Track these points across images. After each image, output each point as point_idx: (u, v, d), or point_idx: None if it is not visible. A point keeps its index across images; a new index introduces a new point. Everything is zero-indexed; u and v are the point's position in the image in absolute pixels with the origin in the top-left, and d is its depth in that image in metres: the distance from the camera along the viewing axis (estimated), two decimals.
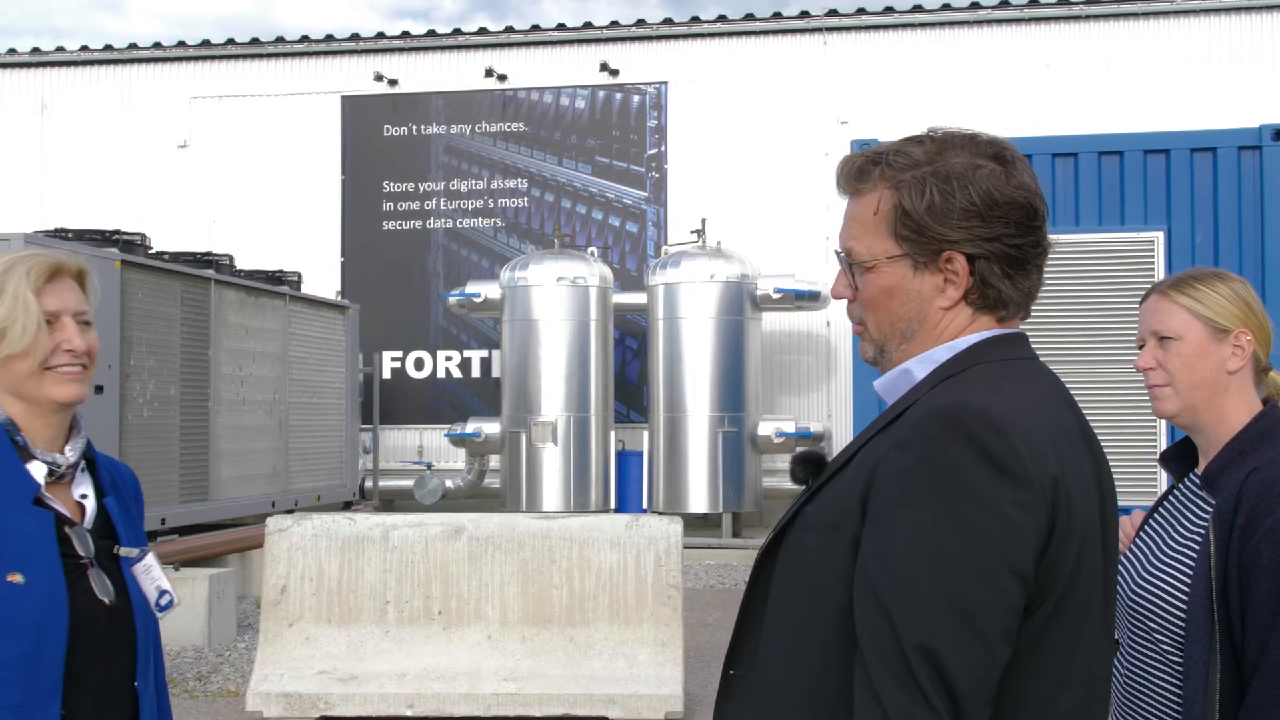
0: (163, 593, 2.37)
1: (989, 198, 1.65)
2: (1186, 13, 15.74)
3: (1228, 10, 15.67)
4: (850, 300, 1.78)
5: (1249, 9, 15.61)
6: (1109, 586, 1.67)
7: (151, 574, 2.36)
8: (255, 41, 18.09)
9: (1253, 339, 2.38)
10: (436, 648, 6.98)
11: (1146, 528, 2.47)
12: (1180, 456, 2.50)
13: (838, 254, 1.78)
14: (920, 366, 1.71)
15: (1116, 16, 15.90)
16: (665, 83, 16.96)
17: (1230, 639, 2.19)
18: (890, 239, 1.69)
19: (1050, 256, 1.75)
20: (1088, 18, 15.97)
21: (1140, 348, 2.49)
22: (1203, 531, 2.28)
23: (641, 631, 6.93)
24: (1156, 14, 15.80)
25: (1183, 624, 2.26)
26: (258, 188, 17.67)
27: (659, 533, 7.02)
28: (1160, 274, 8.14)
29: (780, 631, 1.65)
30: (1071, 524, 1.55)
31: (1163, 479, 7.64)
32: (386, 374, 17.00)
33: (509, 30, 17.39)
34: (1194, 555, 2.28)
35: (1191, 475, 2.44)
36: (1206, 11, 15.71)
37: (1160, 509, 2.47)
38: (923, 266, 1.69)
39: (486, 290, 15.30)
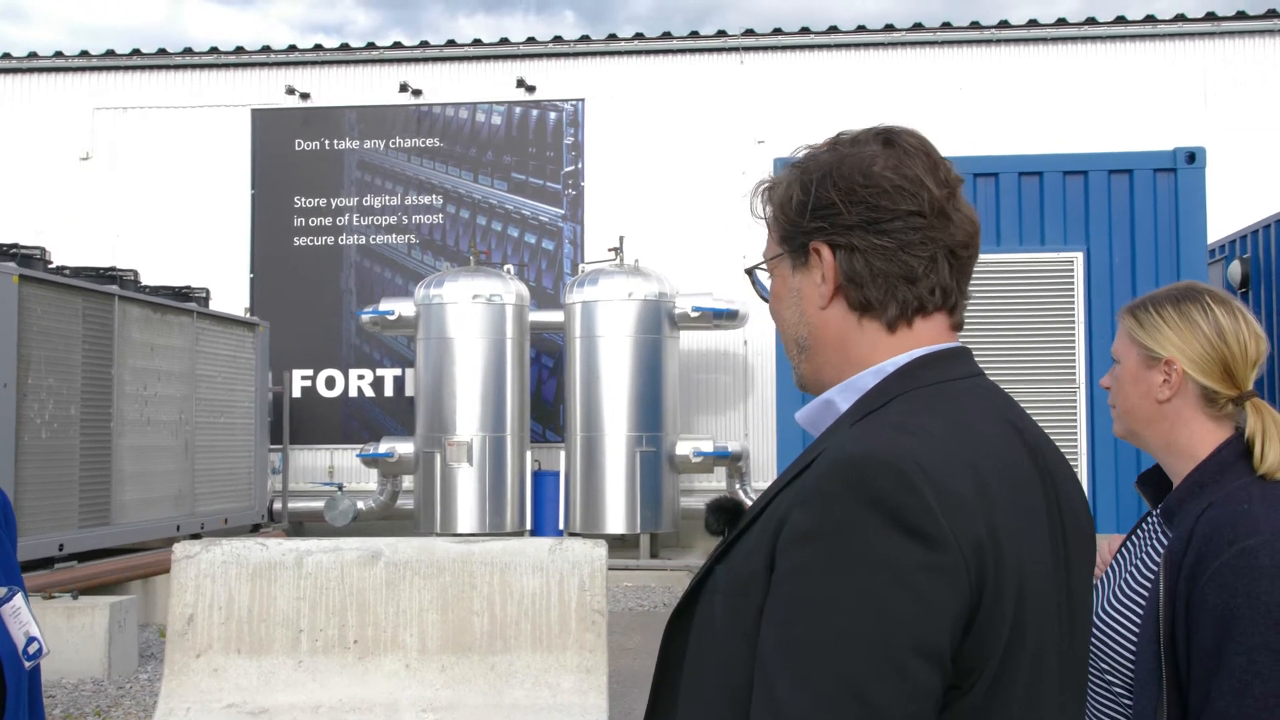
0: (31, 639, 2.13)
1: (850, 183, 1.51)
2: (1097, 39, 16.00)
3: (1141, 38, 15.95)
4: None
5: (1161, 37, 15.91)
6: (1076, 637, 1.49)
7: (20, 617, 2.13)
8: (162, 52, 17.65)
9: (1182, 369, 2.24)
10: (352, 678, 6.74)
11: (1117, 556, 2.36)
12: (1156, 481, 2.39)
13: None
14: (843, 396, 1.53)
15: (1026, 41, 16.13)
16: (582, 100, 16.85)
17: (1178, 684, 2.07)
18: (774, 241, 1.62)
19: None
20: (998, 42, 16.17)
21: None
22: (1156, 570, 2.17)
23: (565, 659, 6.76)
24: (1068, 39, 16.04)
25: (1132, 665, 2.14)
26: (164, 202, 17.22)
27: (583, 556, 6.86)
28: (1080, 294, 8.20)
29: (693, 705, 1.46)
30: (1002, 586, 1.34)
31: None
32: (297, 393, 16.63)
33: (424, 45, 17.17)
34: (1146, 593, 2.17)
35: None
36: (1118, 38, 15.98)
37: (1131, 538, 2.37)
38: (801, 264, 1.57)
39: (401, 308, 15.04)
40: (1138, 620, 2.15)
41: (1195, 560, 2.06)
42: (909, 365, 1.51)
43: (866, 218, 1.51)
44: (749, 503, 1.57)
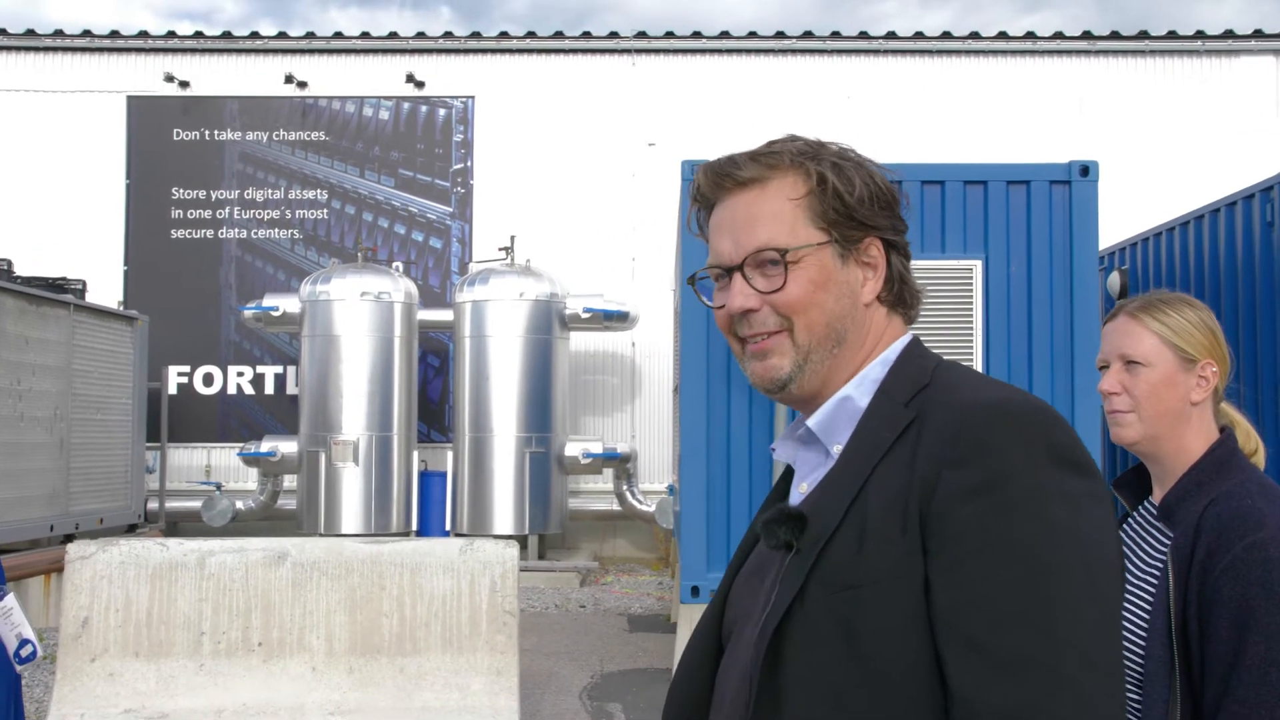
0: (24, 642, 2.04)
1: (888, 187, 1.59)
2: (980, 53, 16.41)
3: (1021, 53, 16.40)
4: (754, 309, 1.55)
5: (1040, 53, 16.38)
6: None
7: (12, 618, 2.03)
8: (30, 33, 16.98)
9: (1218, 370, 2.35)
10: (256, 681, 6.58)
11: None
12: (1133, 483, 2.46)
13: (739, 264, 1.55)
14: (860, 390, 1.55)
15: (913, 53, 16.46)
16: (472, 97, 16.70)
17: (1189, 677, 2.13)
18: (811, 226, 1.55)
19: None
20: (885, 52, 16.47)
21: (1101, 369, 2.43)
22: (1161, 565, 2.23)
23: (476, 660, 6.69)
24: (952, 52, 16.42)
25: (1141, 661, 2.20)
26: (33, 190, 16.56)
27: (495, 557, 6.80)
28: (978, 301, 8.39)
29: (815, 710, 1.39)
30: None
31: None
32: (173, 389, 16.14)
33: (311, 36, 16.83)
34: (1153, 590, 2.23)
35: (1147, 504, 2.40)
36: (1000, 53, 16.41)
37: None
38: (847, 256, 1.56)
39: (285, 304, 14.72)
40: (1144, 616, 2.21)
41: (1206, 555, 2.13)
42: (909, 349, 1.58)
43: (901, 224, 1.61)
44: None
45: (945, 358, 1.58)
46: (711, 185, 1.60)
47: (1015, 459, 1.35)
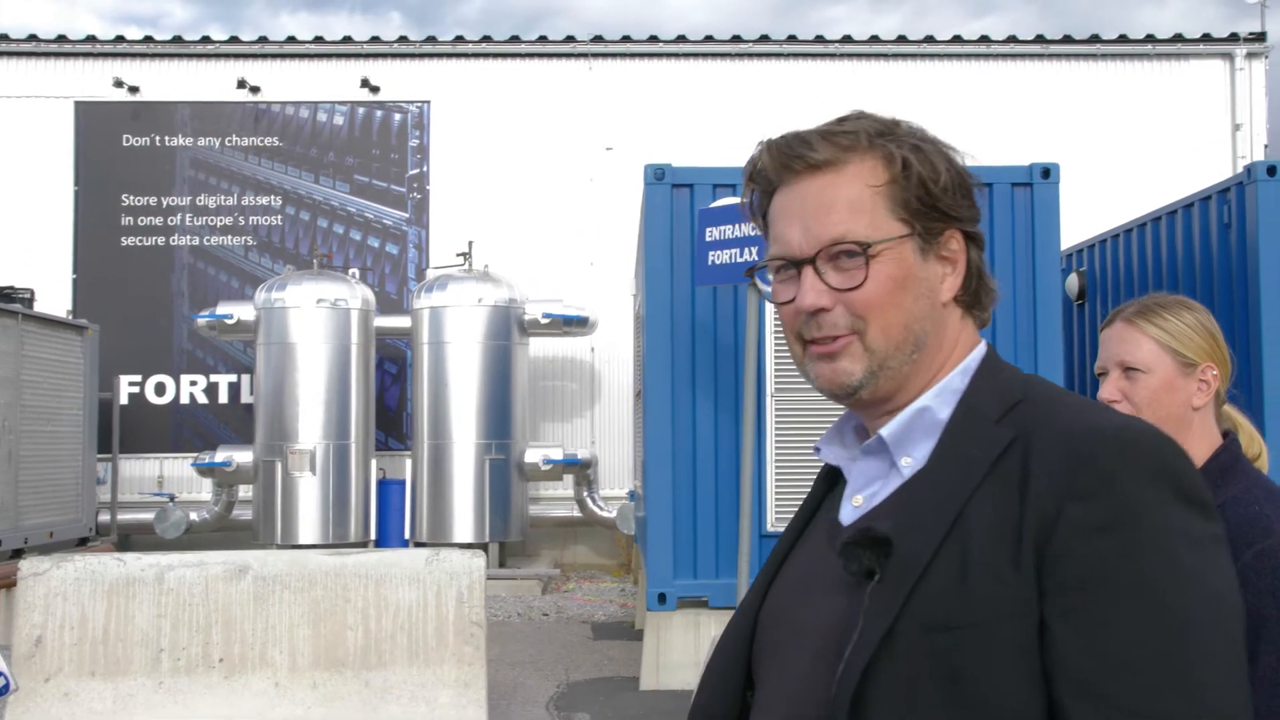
0: None
1: (967, 172, 1.46)
2: (935, 56, 16.48)
3: (976, 57, 16.49)
4: (826, 309, 1.40)
5: (995, 57, 16.47)
6: None
7: None
8: None
9: (1218, 373, 2.31)
10: (217, 699, 6.45)
11: None
12: None
13: (812, 256, 1.40)
14: (940, 401, 1.41)
15: (869, 56, 16.50)
16: (428, 102, 16.56)
17: None
18: (892, 217, 1.40)
19: None
20: (842, 56, 16.49)
21: (1099, 376, 2.39)
22: None
23: (443, 672, 6.59)
24: (908, 56, 16.48)
25: None
26: None
27: (461, 567, 6.71)
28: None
29: None
30: None
31: None
32: (124, 399, 15.87)
33: (263, 41, 16.63)
34: None
35: None
36: (954, 57, 16.49)
37: None
38: (928, 250, 1.41)
39: (239, 311, 14.52)
40: None
41: None
42: (991, 356, 1.46)
43: (978, 212, 1.47)
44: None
45: (1026, 373, 1.47)
46: (778, 166, 1.44)
47: (1145, 495, 1.25)
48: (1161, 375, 2.30)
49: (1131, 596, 1.22)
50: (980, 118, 15.99)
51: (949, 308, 1.44)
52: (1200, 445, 2.29)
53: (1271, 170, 7.90)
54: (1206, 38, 16.44)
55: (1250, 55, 16.38)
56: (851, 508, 1.44)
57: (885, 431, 1.42)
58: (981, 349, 1.47)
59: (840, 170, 1.40)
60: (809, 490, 1.62)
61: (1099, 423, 1.31)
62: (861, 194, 1.39)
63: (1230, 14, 60.80)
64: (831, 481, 1.55)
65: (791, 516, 1.60)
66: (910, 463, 1.40)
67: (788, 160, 1.42)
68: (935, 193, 1.40)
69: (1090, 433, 1.29)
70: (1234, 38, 16.41)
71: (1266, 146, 16.11)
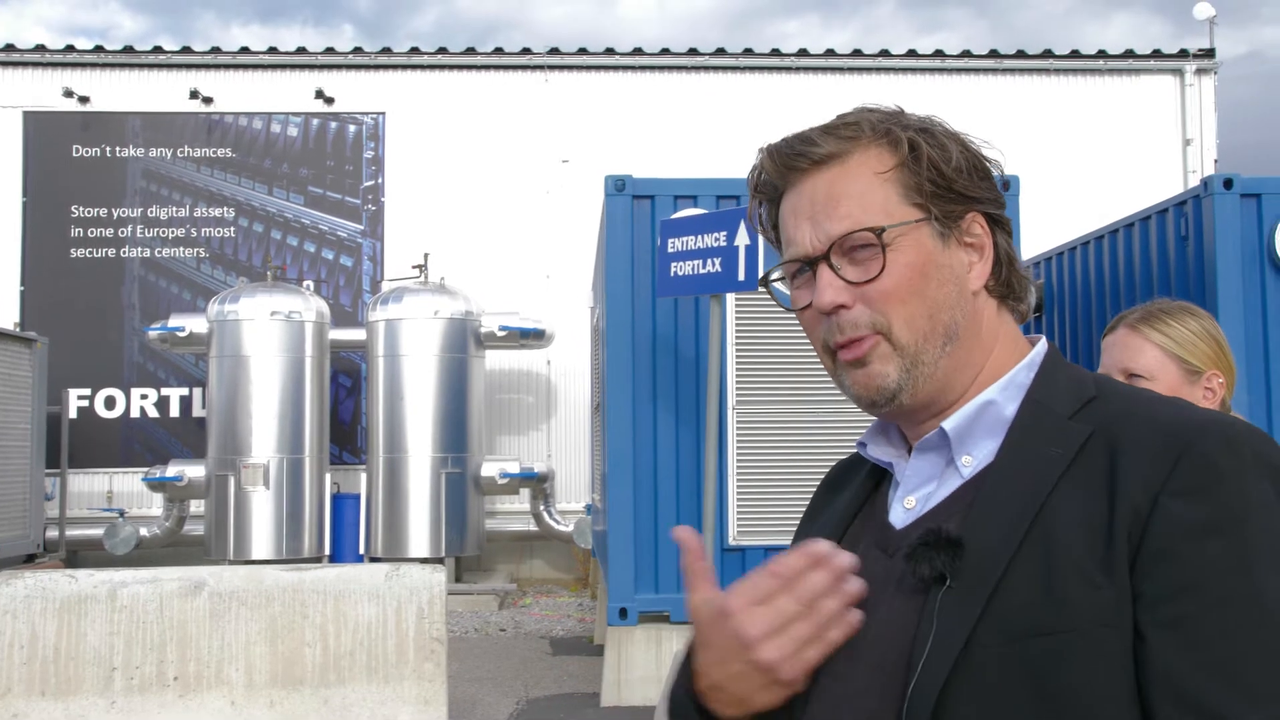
0: None
1: (984, 159, 1.38)
2: (890, 70, 16.58)
3: (932, 71, 16.60)
4: (845, 306, 1.33)
5: (950, 71, 16.59)
6: None
7: None
8: None
9: (1224, 381, 2.26)
10: (172, 718, 6.32)
11: None
12: None
13: (825, 252, 1.33)
14: (1006, 396, 1.32)
15: (822, 70, 16.57)
16: (383, 113, 16.45)
17: None
18: (904, 203, 1.32)
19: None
20: (798, 69, 16.56)
21: None
22: None
23: (403, 690, 6.49)
24: (863, 70, 16.57)
25: None
26: None
27: (421, 583, 6.62)
28: None
29: None
30: None
31: None
32: (73, 413, 15.61)
33: (216, 51, 16.46)
34: None
35: None
36: (911, 70, 16.59)
37: None
38: (948, 236, 1.33)
39: (191, 324, 14.34)
40: None
41: None
42: (1055, 352, 1.38)
43: (1000, 196, 1.39)
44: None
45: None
46: (780, 169, 1.37)
47: (1253, 491, 1.15)
48: (1166, 383, 2.26)
49: (1244, 606, 1.12)
50: None
51: (981, 297, 1.36)
52: None
53: (1228, 183, 7.97)
54: (1157, 54, 16.66)
55: (1200, 71, 16.60)
56: (904, 510, 1.36)
57: (949, 424, 1.33)
58: (1044, 346, 1.38)
59: (845, 162, 1.34)
60: (817, 491, 1.54)
61: (1192, 415, 1.23)
62: (870, 182, 1.33)
63: (1175, 31, 61.79)
64: (875, 480, 1.46)
65: (771, 525, 1.53)
66: (971, 461, 1.32)
67: (790, 160, 1.36)
68: (948, 173, 1.33)
69: (1186, 425, 1.21)
70: (1184, 54, 16.63)
71: (1216, 161, 16.32)
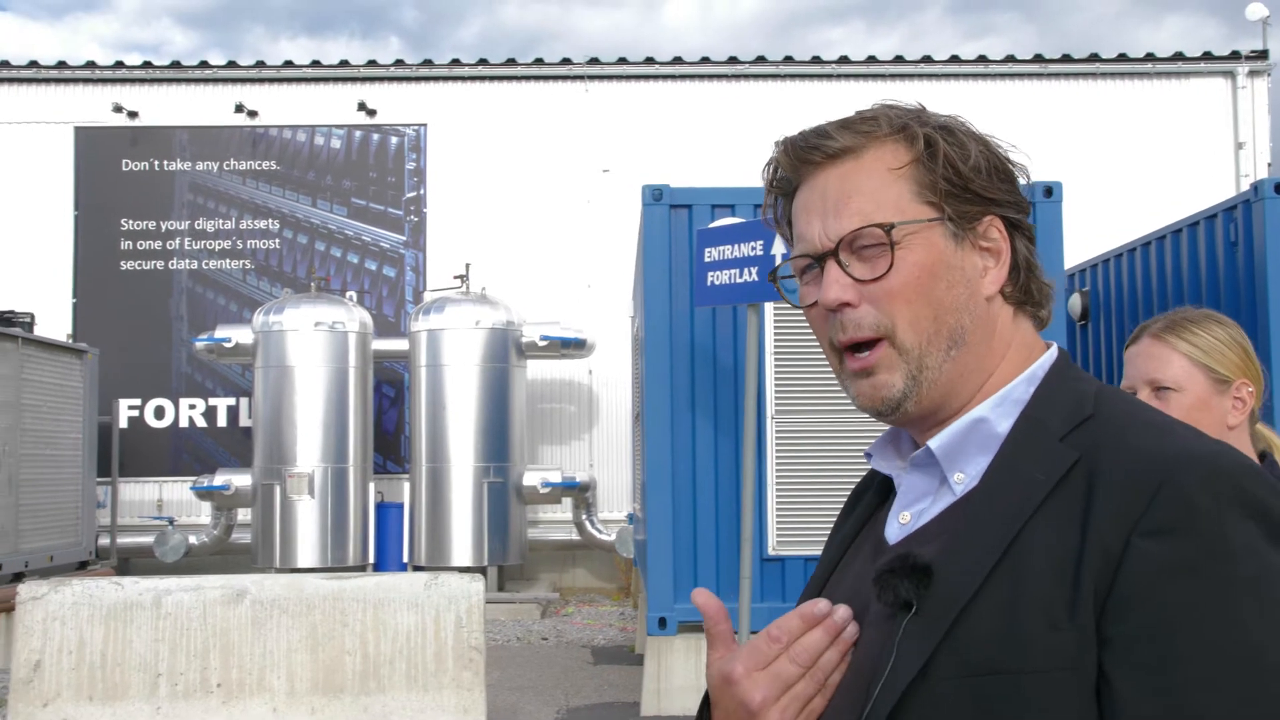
0: None
1: (1008, 162, 1.34)
2: (934, 76, 16.51)
3: (974, 77, 16.51)
4: (853, 305, 1.30)
5: (993, 76, 16.49)
6: None
7: None
8: None
9: (1254, 390, 2.20)
10: None
11: None
12: None
13: (833, 248, 1.30)
14: (1000, 413, 1.28)
15: (865, 77, 16.53)
16: (424, 124, 16.58)
17: None
18: (917, 201, 1.29)
19: None
20: (838, 77, 16.52)
21: None
22: None
23: (442, 698, 6.53)
24: (906, 76, 16.50)
25: None
26: None
27: (460, 591, 6.66)
28: None
29: None
30: None
31: None
32: (123, 423, 15.83)
33: (260, 65, 16.65)
34: None
35: None
36: (953, 76, 16.51)
37: None
38: (962, 238, 1.29)
39: (238, 335, 14.50)
40: None
41: None
42: (1062, 364, 1.33)
43: (1023, 200, 1.35)
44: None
45: (1104, 384, 1.33)
46: (794, 162, 1.35)
47: (1232, 531, 1.09)
48: (1195, 393, 2.20)
49: (1218, 652, 1.07)
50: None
51: (996, 303, 1.32)
52: None
53: (1279, 187, 7.86)
54: (1208, 56, 16.46)
55: (1253, 73, 16.39)
56: (898, 525, 1.34)
57: (935, 443, 1.30)
58: (1052, 354, 1.34)
59: (860, 157, 1.31)
60: (846, 501, 1.53)
61: (1178, 446, 1.16)
62: (884, 178, 1.30)
63: (1228, 34, 61.05)
64: (885, 492, 1.44)
65: (810, 535, 1.53)
66: (964, 479, 1.28)
67: (805, 154, 1.34)
68: (965, 173, 1.29)
69: (1168, 457, 1.14)
70: (1236, 55, 16.42)
71: (1270, 165, 16.11)
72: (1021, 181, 1.37)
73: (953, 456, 1.30)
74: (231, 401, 16.23)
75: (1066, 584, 1.13)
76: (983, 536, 1.20)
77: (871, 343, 1.30)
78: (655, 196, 8.40)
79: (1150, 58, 16.51)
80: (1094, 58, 16.50)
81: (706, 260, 7.52)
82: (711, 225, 7.94)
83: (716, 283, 7.37)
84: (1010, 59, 16.51)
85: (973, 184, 1.30)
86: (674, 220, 8.39)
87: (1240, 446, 2.20)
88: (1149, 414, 1.26)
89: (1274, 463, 2.21)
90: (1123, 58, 16.52)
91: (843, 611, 1.27)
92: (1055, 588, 1.14)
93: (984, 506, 1.23)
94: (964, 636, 1.16)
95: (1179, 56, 16.49)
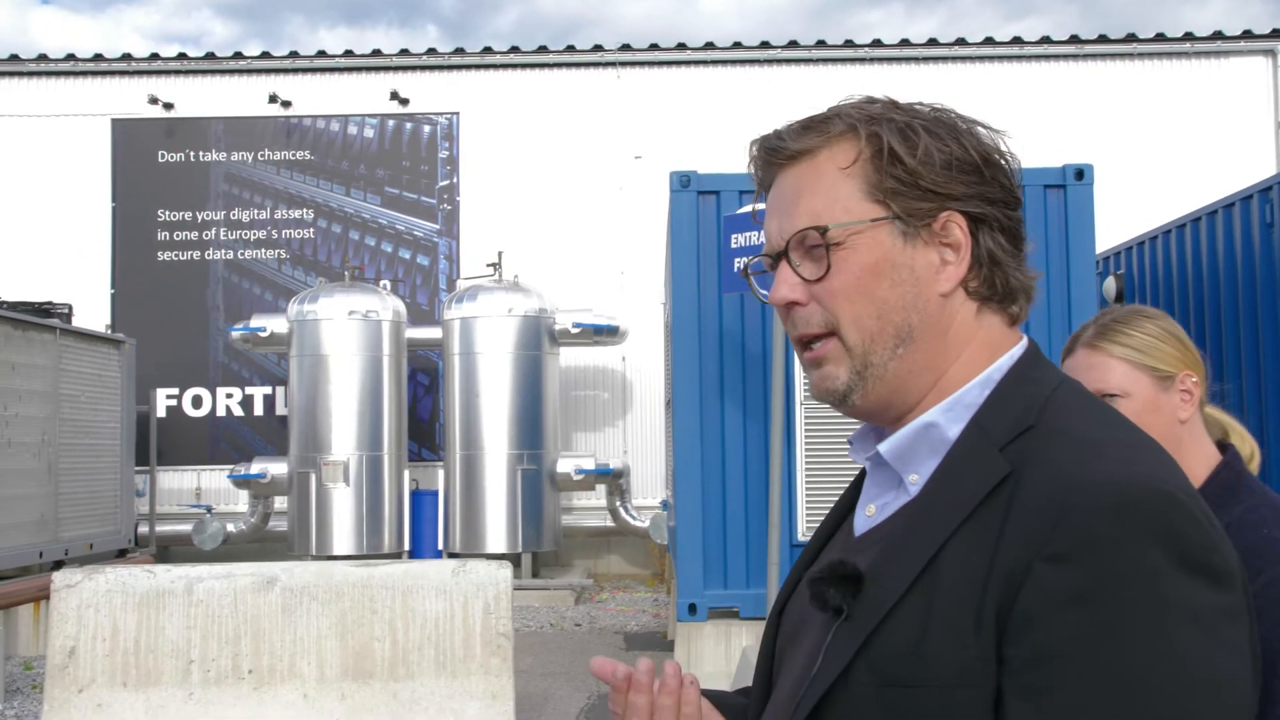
0: None
1: (985, 150, 1.31)
2: (969, 59, 16.37)
3: (1009, 59, 16.36)
4: (801, 304, 1.32)
5: (1028, 58, 16.34)
6: None
7: None
8: (14, 58, 16.89)
9: (1197, 379, 2.15)
10: (247, 710, 6.45)
11: None
12: None
13: (783, 249, 1.33)
14: (950, 418, 1.27)
15: (898, 60, 16.41)
16: (457, 113, 16.61)
17: None
18: (866, 200, 1.28)
19: None
20: (871, 60, 16.41)
21: None
22: None
23: (470, 684, 6.56)
24: (948, 59, 16.38)
25: None
26: (19, 214, 16.45)
27: (487, 578, 6.68)
28: None
29: None
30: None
31: None
32: (161, 412, 15.99)
33: (294, 56, 16.74)
34: None
35: None
36: (987, 59, 16.37)
37: None
38: (913, 235, 1.28)
39: (273, 324, 14.60)
40: None
41: None
42: (1023, 365, 1.30)
43: (1005, 195, 1.32)
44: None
45: (1068, 380, 1.31)
46: (762, 165, 1.38)
47: (1133, 561, 1.07)
48: (1142, 396, 2.14)
49: (1104, 681, 1.06)
50: (1013, 119, 15.71)
51: (955, 299, 1.30)
52: (1196, 463, 2.13)
53: None
54: (1248, 34, 16.23)
55: None
56: (865, 517, 1.35)
57: (884, 447, 1.31)
58: (1016, 353, 1.31)
59: (815, 157, 1.33)
60: (846, 487, 1.54)
61: (1094, 471, 1.13)
62: (834, 178, 1.31)
63: (1275, 11, 60.10)
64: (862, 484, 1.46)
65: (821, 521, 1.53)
66: (917, 480, 1.28)
67: (768, 156, 1.37)
68: (914, 168, 1.28)
69: (1079, 482, 1.12)
70: (1277, 34, 16.17)
71: None
72: (1013, 169, 1.34)
73: (905, 459, 1.30)
74: (268, 390, 16.36)
75: (975, 602, 1.13)
76: (913, 545, 1.20)
77: (824, 336, 1.32)
78: (683, 183, 8.38)
79: (1189, 37, 16.30)
80: (1131, 38, 16.31)
81: (734, 246, 7.50)
82: (738, 211, 7.93)
83: None
84: (1046, 40, 16.34)
85: (922, 179, 1.28)
86: (702, 206, 8.37)
87: (1196, 439, 2.16)
88: (1089, 427, 1.22)
89: (1236, 454, 2.15)
90: (1160, 37, 16.31)
91: (643, 665, 1.35)
92: (967, 605, 1.13)
93: (919, 515, 1.23)
94: (880, 646, 1.17)
95: (1218, 36, 16.27)
